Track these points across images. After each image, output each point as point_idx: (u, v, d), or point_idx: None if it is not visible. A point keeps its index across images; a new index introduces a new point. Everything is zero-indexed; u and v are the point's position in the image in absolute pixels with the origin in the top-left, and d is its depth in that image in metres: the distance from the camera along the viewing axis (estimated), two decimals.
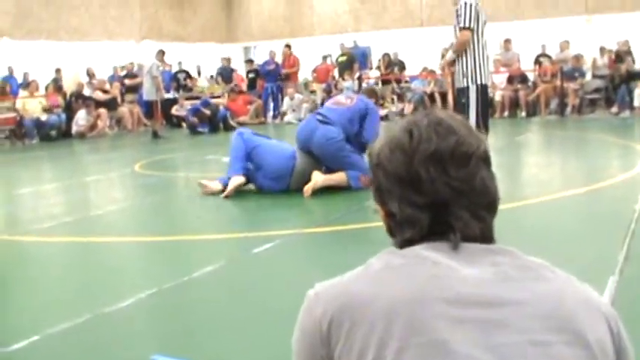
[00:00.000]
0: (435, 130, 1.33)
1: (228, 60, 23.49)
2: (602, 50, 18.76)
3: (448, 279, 1.23)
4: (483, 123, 7.90)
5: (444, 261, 1.26)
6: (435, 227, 1.31)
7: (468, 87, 7.82)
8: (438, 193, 1.30)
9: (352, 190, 7.45)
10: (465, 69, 7.84)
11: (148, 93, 16.90)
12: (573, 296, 1.26)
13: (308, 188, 7.31)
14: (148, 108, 17.62)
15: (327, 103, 8.26)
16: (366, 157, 7.64)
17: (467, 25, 7.71)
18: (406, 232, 1.34)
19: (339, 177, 7.53)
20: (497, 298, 1.21)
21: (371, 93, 8.50)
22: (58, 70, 20.08)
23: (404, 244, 1.34)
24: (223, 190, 7.58)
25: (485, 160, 1.36)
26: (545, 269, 1.29)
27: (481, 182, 1.32)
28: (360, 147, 7.70)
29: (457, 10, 7.80)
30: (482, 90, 7.93)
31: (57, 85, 19.52)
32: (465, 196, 1.31)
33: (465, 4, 7.74)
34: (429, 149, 1.31)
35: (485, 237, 1.33)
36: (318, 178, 7.42)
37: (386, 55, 21.59)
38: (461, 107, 8.07)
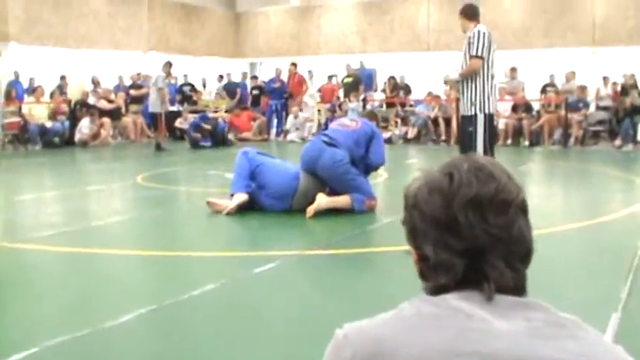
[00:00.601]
0: (476, 175, 1.32)
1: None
2: (606, 80, 18.82)
3: (481, 333, 1.21)
4: (491, 154, 7.88)
5: (478, 313, 1.24)
6: (469, 274, 1.29)
7: (475, 115, 7.78)
8: (476, 239, 1.28)
9: (355, 212, 7.43)
10: (473, 97, 7.82)
11: (152, 105, 16.90)
12: (604, 355, 1.25)
13: (311, 209, 7.28)
14: (152, 120, 17.62)
15: (332, 125, 8.26)
16: (370, 181, 7.70)
17: (479, 53, 7.69)
18: (440, 277, 1.31)
19: (343, 200, 7.52)
20: (529, 355, 1.19)
21: (371, 115, 8.52)
22: (62, 77, 20.12)
23: (436, 289, 1.32)
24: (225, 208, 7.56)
25: (524, 209, 1.34)
26: (577, 327, 1.27)
27: (519, 231, 1.31)
28: (365, 170, 7.72)
29: (469, 38, 7.78)
30: (490, 119, 7.92)
31: (61, 92, 19.56)
32: (503, 244, 1.29)
33: (478, 32, 7.74)
34: (469, 194, 1.30)
35: (518, 288, 1.31)
36: (322, 200, 7.38)
37: (392, 78, 21.63)
38: (466, 135, 8.06)
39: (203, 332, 3.94)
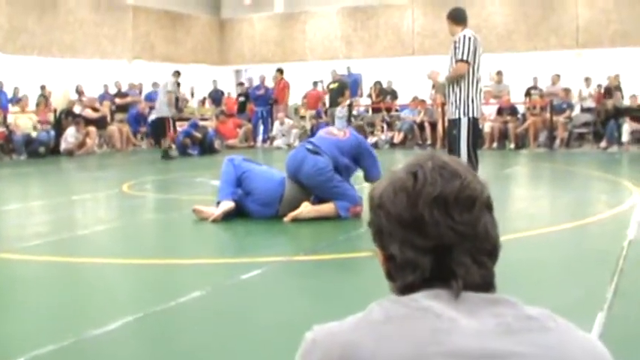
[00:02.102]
0: (440, 174, 1.32)
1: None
2: (588, 81, 18.93)
3: (449, 333, 1.21)
4: (475, 158, 7.94)
5: (446, 313, 1.24)
6: (436, 272, 1.29)
7: (459, 119, 7.86)
8: (442, 236, 1.28)
9: (341, 218, 7.43)
10: (458, 101, 7.88)
11: (160, 109, 16.87)
12: (576, 345, 1.25)
13: (291, 216, 7.31)
14: (159, 126, 17.28)
15: (320, 132, 8.26)
16: (355, 186, 7.70)
17: (464, 57, 7.75)
18: (407, 276, 1.31)
19: (327, 208, 7.51)
20: (499, 352, 1.19)
21: (359, 129, 8.46)
22: (43, 87, 20.05)
23: (403, 289, 1.32)
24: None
25: (489, 206, 1.35)
26: (547, 319, 1.27)
27: (484, 228, 1.31)
28: (349, 178, 7.73)
29: (455, 42, 7.84)
30: (474, 123, 7.96)
31: (45, 102, 19.49)
32: (468, 241, 1.29)
33: (464, 36, 7.80)
34: (433, 192, 1.30)
35: (487, 284, 1.31)
36: (305, 209, 7.40)
37: (378, 83, 21.69)
38: (452, 138, 8.11)
39: (190, 339, 3.93)
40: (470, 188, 1.32)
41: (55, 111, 19.43)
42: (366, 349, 1.22)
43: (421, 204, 1.30)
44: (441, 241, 1.29)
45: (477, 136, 8.23)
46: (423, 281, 1.30)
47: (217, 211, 7.46)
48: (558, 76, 19.44)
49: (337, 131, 8.08)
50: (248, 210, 7.63)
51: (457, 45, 7.80)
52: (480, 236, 1.30)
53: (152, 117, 17.72)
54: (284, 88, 21.60)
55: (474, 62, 7.84)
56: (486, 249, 1.32)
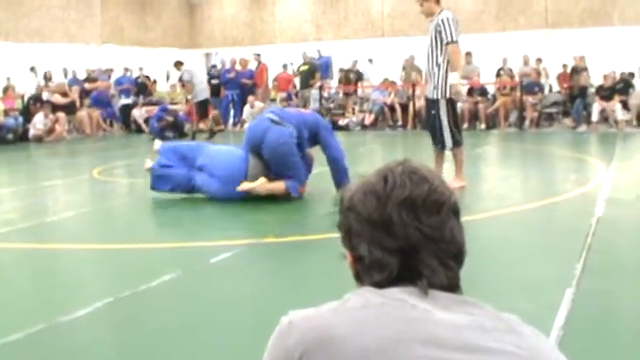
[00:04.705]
0: (410, 178, 1.36)
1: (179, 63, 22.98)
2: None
3: (426, 322, 1.23)
4: (459, 136, 8.06)
5: (420, 305, 1.26)
6: (403, 273, 1.32)
7: (438, 100, 7.95)
8: (409, 238, 1.32)
9: (309, 200, 7.43)
10: (436, 82, 7.97)
11: (200, 93, 17.10)
12: (546, 352, 1.28)
13: (245, 186, 7.31)
14: (200, 109, 17.52)
15: (284, 107, 8.23)
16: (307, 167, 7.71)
17: (454, 39, 7.85)
18: (375, 275, 1.34)
19: (278, 186, 7.47)
20: (475, 345, 1.21)
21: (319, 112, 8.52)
22: (8, 79, 19.87)
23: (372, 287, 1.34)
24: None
25: (455, 211, 1.38)
26: (516, 323, 1.30)
27: (450, 232, 1.34)
28: (303, 155, 7.70)
29: (439, 25, 7.86)
30: (453, 103, 8.08)
31: (10, 89, 19.30)
32: (435, 243, 1.32)
33: (447, 18, 7.86)
34: (402, 195, 1.33)
35: (453, 285, 1.34)
36: (259, 184, 7.37)
37: (342, 70, 21.72)
38: (431, 117, 8.20)
39: (160, 322, 3.93)
40: (438, 193, 1.35)
41: (22, 97, 19.20)
42: (343, 332, 1.22)
43: (390, 206, 1.33)
44: (408, 242, 1.32)
45: (457, 116, 8.32)
46: (390, 282, 1.32)
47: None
48: (529, 56, 19.52)
49: (297, 107, 8.09)
50: (213, 191, 7.59)
51: (442, 28, 7.84)
52: (445, 239, 1.34)
53: (197, 99, 17.58)
54: (262, 72, 21.52)
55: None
56: (452, 252, 1.35)
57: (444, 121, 8.01)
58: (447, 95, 7.96)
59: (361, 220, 1.36)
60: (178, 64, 17.66)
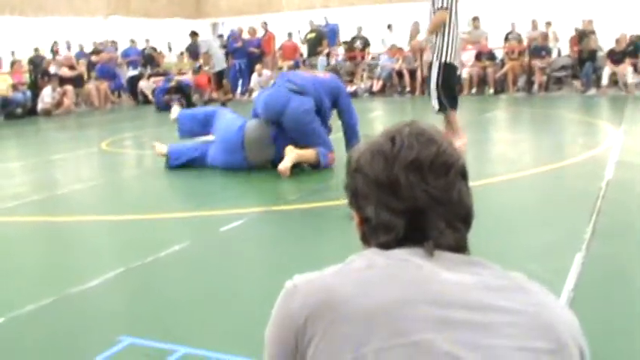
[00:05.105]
0: (417, 139, 1.35)
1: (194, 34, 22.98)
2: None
3: (432, 282, 1.23)
4: (446, 100, 8.00)
5: (426, 265, 1.26)
6: (410, 234, 1.31)
7: (432, 62, 7.99)
8: (416, 199, 1.31)
9: (315, 168, 7.41)
10: (434, 46, 7.96)
11: (218, 63, 17.31)
12: (553, 307, 1.27)
13: (285, 169, 7.06)
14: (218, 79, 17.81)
15: (297, 72, 8.03)
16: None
17: (444, 5, 7.82)
18: (381, 237, 1.33)
19: (310, 153, 7.35)
20: (481, 303, 1.21)
21: (335, 71, 8.36)
22: (12, 53, 19.86)
23: (378, 248, 1.34)
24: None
25: (463, 174, 1.37)
26: (523, 281, 1.30)
27: (458, 194, 1.34)
28: (325, 123, 7.63)
29: None
30: (447, 68, 8.01)
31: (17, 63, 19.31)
32: (442, 205, 1.32)
33: None
34: (409, 156, 1.32)
35: (460, 247, 1.33)
36: (292, 155, 7.17)
37: (346, 42, 21.63)
38: (427, 81, 8.28)
39: (171, 293, 3.94)
40: (446, 154, 1.34)
41: (30, 71, 19.18)
42: (347, 293, 1.22)
43: (397, 167, 1.32)
44: (414, 204, 1.31)
45: (451, 81, 8.26)
46: (396, 242, 1.32)
47: (161, 149, 8.04)
48: (536, 20, 19.35)
49: (317, 73, 7.91)
50: (217, 162, 7.61)
51: None
52: (453, 201, 1.33)
53: (215, 69, 17.61)
54: (270, 40, 21.44)
55: (452, 8, 7.88)
56: (460, 214, 1.34)
57: (433, 83, 8.04)
58: (443, 59, 7.94)
59: (368, 181, 1.36)
60: (194, 35, 17.59)
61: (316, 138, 7.40)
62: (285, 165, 7.08)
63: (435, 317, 1.18)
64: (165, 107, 17.59)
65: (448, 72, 8.05)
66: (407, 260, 1.27)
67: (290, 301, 1.27)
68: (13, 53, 20.06)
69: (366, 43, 21.36)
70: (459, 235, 1.33)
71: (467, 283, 1.24)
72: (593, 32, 17.88)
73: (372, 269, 1.26)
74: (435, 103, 8.01)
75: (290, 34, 22.13)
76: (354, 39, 21.46)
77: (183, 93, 18.08)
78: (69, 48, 21.40)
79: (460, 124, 8.33)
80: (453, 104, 8.09)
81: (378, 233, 1.34)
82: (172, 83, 18.08)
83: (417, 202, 1.31)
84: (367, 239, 1.39)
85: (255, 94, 19.95)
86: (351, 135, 7.64)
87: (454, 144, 1.40)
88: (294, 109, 7.24)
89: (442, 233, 1.31)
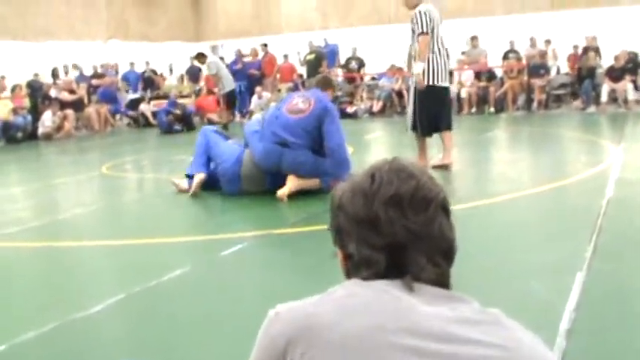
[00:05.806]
0: (397, 175, 1.36)
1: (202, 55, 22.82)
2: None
3: (409, 312, 1.24)
4: (420, 126, 8.42)
5: (405, 297, 1.27)
6: (391, 270, 1.32)
7: (409, 86, 8.36)
8: (396, 235, 1.32)
9: (316, 191, 7.38)
10: (412, 70, 8.50)
11: (227, 84, 17.17)
12: (535, 345, 1.27)
13: (283, 195, 7.11)
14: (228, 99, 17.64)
15: (284, 109, 7.44)
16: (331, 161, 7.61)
17: (424, 30, 8.29)
18: (363, 272, 1.35)
19: (312, 182, 7.36)
20: (457, 336, 1.21)
21: (326, 83, 7.90)
22: (2, 77, 19.92)
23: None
24: (189, 190, 7.59)
25: (445, 208, 1.38)
26: (501, 316, 1.30)
27: (439, 228, 1.35)
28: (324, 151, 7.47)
29: (412, 20, 8.38)
30: (430, 91, 8.35)
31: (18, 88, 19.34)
32: (423, 241, 1.33)
33: (419, 12, 8.34)
34: (389, 192, 1.34)
35: (442, 283, 1.34)
36: (293, 185, 7.22)
37: (346, 62, 21.72)
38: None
39: (173, 317, 3.93)
40: (425, 189, 1.36)
41: (28, 95, 19.23)
42: (327, 320, 1.24)
43: (377, 203, 1.34)
44: (394, 239, 1.32)
45: (433, 106, 8.46)
46: (377, 277, 1.33)
47: (193, 185, 7.58)
48: (535, 38, 19.42)
49: (302, 103, 7.41)
50: (220, 185, 7.63)
51: (414, 21, 8.36)
52: (434, 236, 1.34)
53: (224, 90, 17.54)
54: (270, 62, 21.51)
55: (432, 34, 8.34)
56: (441, 248, 1.35)
57: (410, 105, 8.49)
58: (426, 82, 8.31)
59: (349, 219, 1.37)
60: (200, 57, 17.56)
61: (316, 171, 7.34)
62: (283, 192, 7.16)
63: (407, 347, 1.19)
64: (169, 128, 17.66)
65: (431, 95, 8.29)
66: (386, 291, 1.28)
67: (272, 327, 1.31)
68: (8, 77, 20.10)
69: (361, 64, 21.47)
70: (439, 271, 1.34)
71: (445, 316, 1.24)
72: (596, 49, 17.94)
73: (352, 298, 1.28)
74: (408, 124, 8.34)
75: (286, 56, 22.18)
76: (349, 59, 21.58)
77: (185, 121, 18.16)
78: (67, 73, 21.46)
79: (454, 144, 8.57)
80: (427, 132, 8.48)
81: (360, 269, 1.36)
82: (177, 111, 18.11)
83: (397, 238, 1.32)
84: (351, 275, 1.40)
85: (255, 116, 19.98)
86: (331, 160, 7.33)
87: (434, 179, 1.40)
88: (289, 162, 7.25)
89: (423, 269, 1.32)
